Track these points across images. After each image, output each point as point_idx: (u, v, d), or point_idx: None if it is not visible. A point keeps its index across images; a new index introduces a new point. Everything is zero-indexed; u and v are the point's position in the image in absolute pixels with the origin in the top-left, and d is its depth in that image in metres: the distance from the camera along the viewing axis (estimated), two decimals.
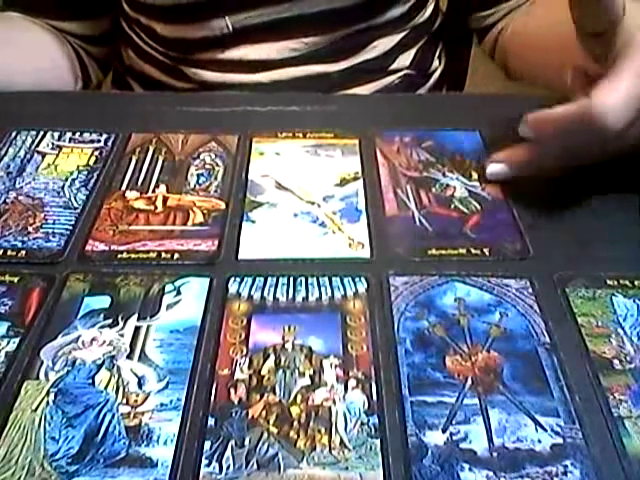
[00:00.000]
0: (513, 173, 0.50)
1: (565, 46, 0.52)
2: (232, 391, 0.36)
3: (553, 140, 0.47)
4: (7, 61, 0.66)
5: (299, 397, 0.36)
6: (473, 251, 0.45)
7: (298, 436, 0.34)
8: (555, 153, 0.48)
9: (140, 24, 0.72)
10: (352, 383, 0.37)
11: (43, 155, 0.55)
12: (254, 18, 0.67)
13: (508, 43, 0.72)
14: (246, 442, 0.34)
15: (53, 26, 0.72)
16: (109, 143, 0.56)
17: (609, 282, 0.43)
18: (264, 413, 0.35)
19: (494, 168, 0.50)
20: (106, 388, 0.36)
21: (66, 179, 0.52)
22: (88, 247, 0.46)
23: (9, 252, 0.45)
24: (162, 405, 0.36)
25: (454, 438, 0.34)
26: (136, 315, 0.41)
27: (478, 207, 0.49)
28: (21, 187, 0.51)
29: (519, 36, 0.70)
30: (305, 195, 0.50)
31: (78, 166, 0.54)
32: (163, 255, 0.45)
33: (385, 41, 0.72)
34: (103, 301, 0.42)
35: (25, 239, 0.46)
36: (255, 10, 0.66)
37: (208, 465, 0.33)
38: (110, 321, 0.40)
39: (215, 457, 0.33)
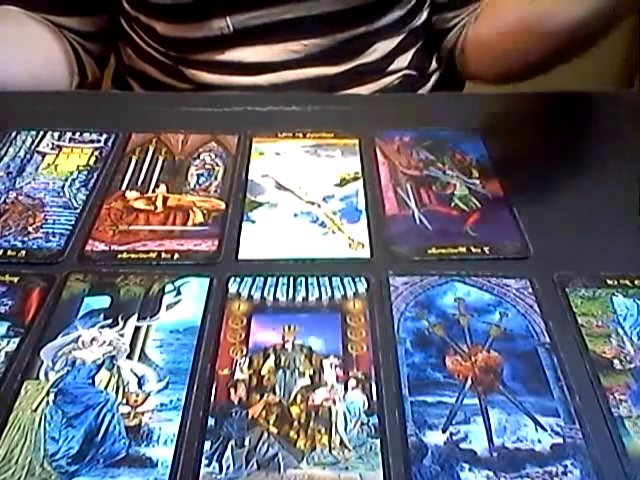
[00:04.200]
0: None
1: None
2: (232, 391, 0.36)
3: None
4: (1, 59, 0.66)
5: (299, 397, 0.36)
6: (473, 249, 0.45)
7: (298, 436, 0.34)
8: None
9: (140, 23, 0.72)
10: (352, 383, 0.37)
11: (43, 155, 0.55)
12: (255, 19, 0.67)
13: (469, 40, 0.71)
14: (246, 442, 0.34)
15: (51, 21, 0.72)
16: (109, 143, 0.56)
17: (609, 282, 0.43)
18: (264, 413, 0.35)
19: None
20: (106, 388, 0.36)
21: (66, 179, 0.52)
22: (88, 247, 0.46)
23: (9, 252, 0.45)
24: (162, 405, 0.36)
25: (454, 438, 0.34)
26: (136, 315, 0.41)
27: (478, 204, 0.49)
28: (21, 187, 0.51)
29: (482, 30, 0.69)
30: (305, 195, 0.50)
31: (78, 166, 0.54)
32: (163, 255, 0.45)
33: (384, 44, 0.72)
34: (103, 301, 0.42)
35: (25, 239, 0.46)
36: (256, 11, 0.66)
37: (208, 465, 0.33)
38: (110, 321, 0.40)
39: (215, 457, 0.33)
